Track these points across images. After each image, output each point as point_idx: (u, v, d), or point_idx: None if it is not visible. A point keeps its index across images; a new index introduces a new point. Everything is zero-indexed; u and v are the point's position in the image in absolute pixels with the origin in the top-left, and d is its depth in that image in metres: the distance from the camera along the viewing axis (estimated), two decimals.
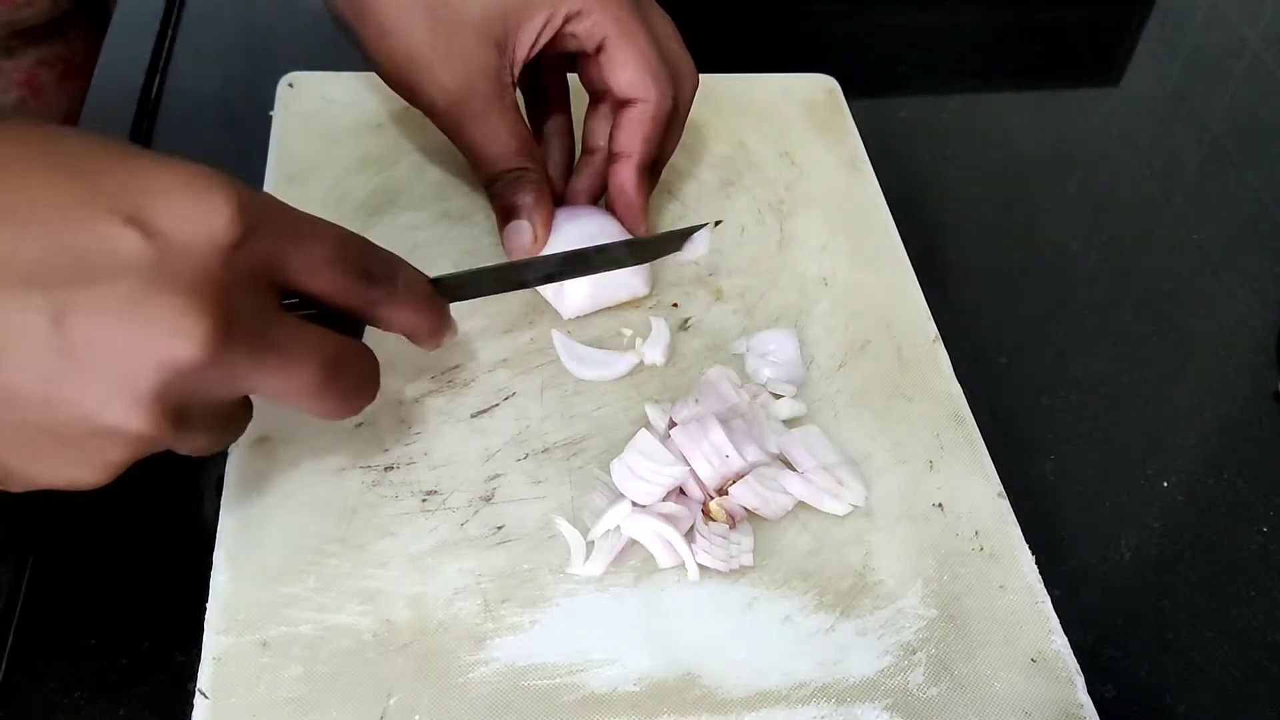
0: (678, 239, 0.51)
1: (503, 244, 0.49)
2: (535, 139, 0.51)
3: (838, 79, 0.64)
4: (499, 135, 0.48)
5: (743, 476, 0.43)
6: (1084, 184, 0.67)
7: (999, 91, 0.75)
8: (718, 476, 0.43)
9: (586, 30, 0.48)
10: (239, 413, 0.35)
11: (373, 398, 0.36)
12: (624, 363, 0.48)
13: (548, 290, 0.50)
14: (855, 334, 0.51)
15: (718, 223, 0.53)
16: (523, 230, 0.49)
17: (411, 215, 0.53)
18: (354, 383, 0.35)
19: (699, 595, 0.42)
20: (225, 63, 0.63)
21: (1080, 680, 0.41)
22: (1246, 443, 0.53)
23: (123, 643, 0.40)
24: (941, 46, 0.76)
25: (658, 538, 0.42)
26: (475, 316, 0.49)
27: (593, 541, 0.42)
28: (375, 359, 0.37)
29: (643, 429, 0.44)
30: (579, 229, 0.49)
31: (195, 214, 0.29)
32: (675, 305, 0.51)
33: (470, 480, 0.44)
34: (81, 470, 0.31)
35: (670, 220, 0.55)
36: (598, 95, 0.51)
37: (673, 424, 0.45)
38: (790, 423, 0.47)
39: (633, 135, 0.49)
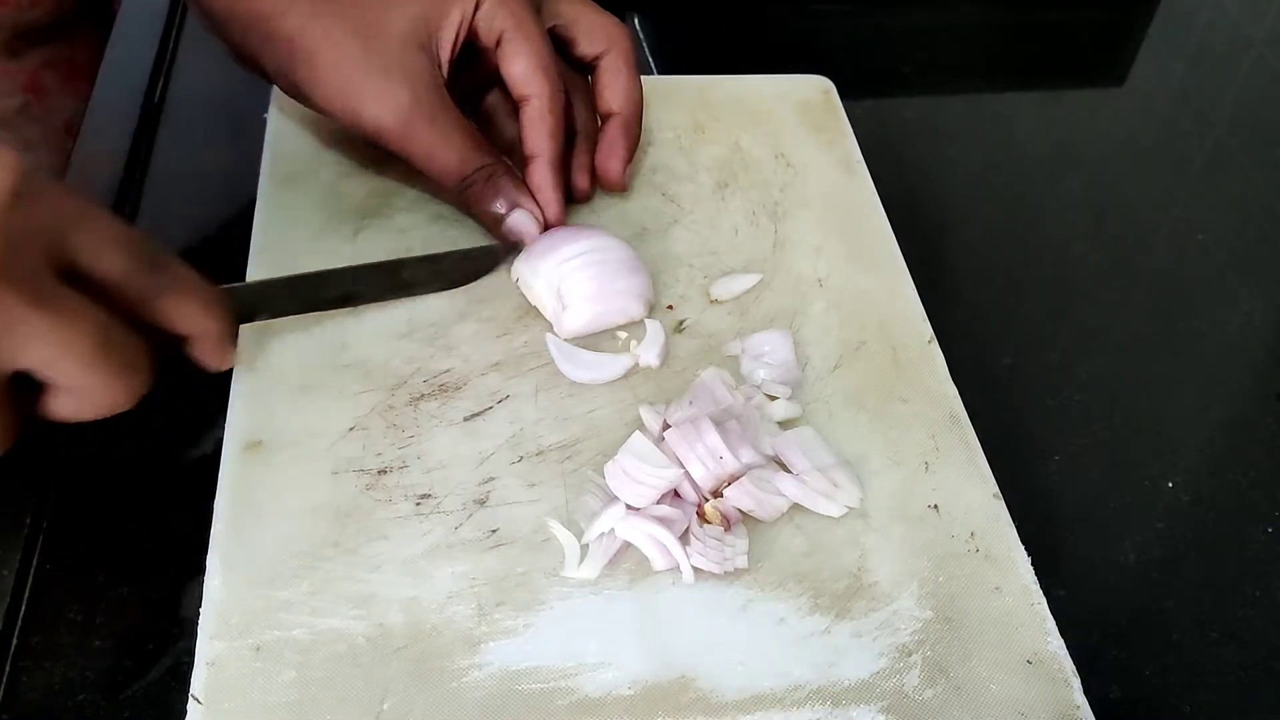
0: (490, 257, 0.50)
1: (507, 240, 0.50)
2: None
3: (840, 79, 0.64)
4: (453, 140, 0.48)
5: (737, 479, 0.43)
6: (1088, 184, 0.67)
7: (1002, 91, 0.75)
8: (712, 479, 0.43)
9: (486, 24, 0.48)
10: (7, 413, 0.34)
11: (145, 383, 0.36)
12: (618, 365, 0.48)
13: (546, 309, 0.49)
14: (850, 335, 0.51)
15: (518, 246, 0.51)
16: (524, 217, 0.49)
17: (405, 217, 0.54)
18: (128, 360, 0.35)
19: (694, 598, 0.41)
20: (228, 64, 0.64)
21: (1077, 681, 0.40)
22: (1251, 443, 0.53)
23: (126, 644, 0.41)
24: (944, 47, 0.76)
25: (652, 540, 0.42)
26: (468, 320, 0.49)
27: (587, 545, 0.42)
28: (149, 347, 0.36)
29: (637, 431, 0.44)
30: (574, 248, 0.49)
31: None
32: (670, 307, 0.51)
33: (464, 483, 0.44)
34: None
35: (664, 222, 0.55)
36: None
37: (667, 426, 0.45)
38: (785, 424, 0.47)
39: (537, 133, 0.49)
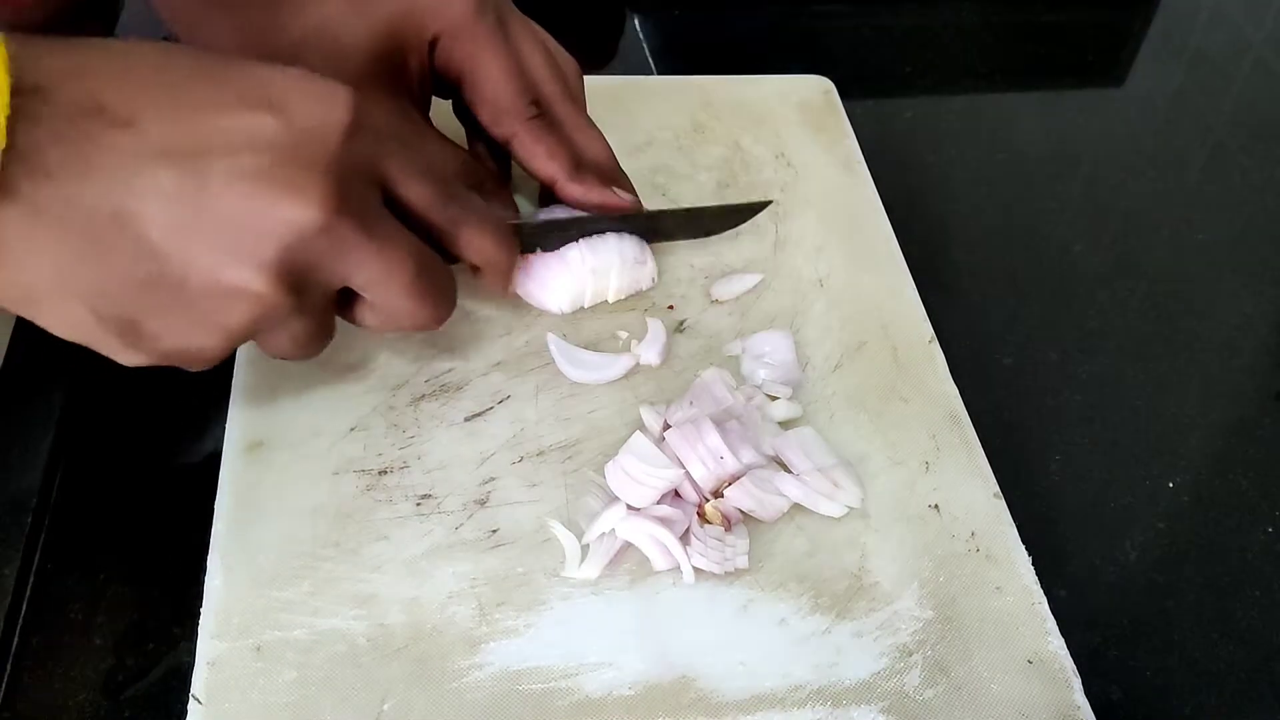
0: (740, 214, 0.53)
1: None
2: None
3: (841, 80, 0.64)
4: (441, 157, 0.47)
5: (738, 479, 0.43)
6: (1088, 185, 0.67)
7: (1003, 92, 0.75)
8: (713, 479, 0.43)
9: (444, 66, 0.47)
10: (330, 318, 0.39)
11: (451, 310, 0.40)
12: (619, 365, 0.48)
13: (532, 295, 0.50)
14: (851, 335, 0.51)
15: (768, 203, 0.55)
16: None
17: None
18: (439, 287, 0.39)
19: (694, 598, 0.41)
20: None
21: (1077, 682, 0.40)
22: (1251, 443, 0.53)
23: (127, 643, 0.41)
24: (945, 47, 0.76)
25: (652, 541, 0.42)
26: (469, 320, 0.49)
27: (587, 545, 0.42)
28: (453, 275, 0.40)
29: (637, 431, 0.44)
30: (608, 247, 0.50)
31: (319, 104, 0.34)
32: (671, 307, 0.51)
33: (465, 484, 0.44)
34: (202, 334, 0.35)
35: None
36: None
37: (668, 427, 0.45)
38: (786, 424, 0.47)
39: (538, 164, 0.48)
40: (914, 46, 0.76)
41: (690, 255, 0.54)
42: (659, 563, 0.42)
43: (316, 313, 0.37)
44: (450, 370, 0.47)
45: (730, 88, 0.63)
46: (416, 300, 0.38)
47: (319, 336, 0.39)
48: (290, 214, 0.33)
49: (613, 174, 0.51)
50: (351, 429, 0.45)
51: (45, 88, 0.31)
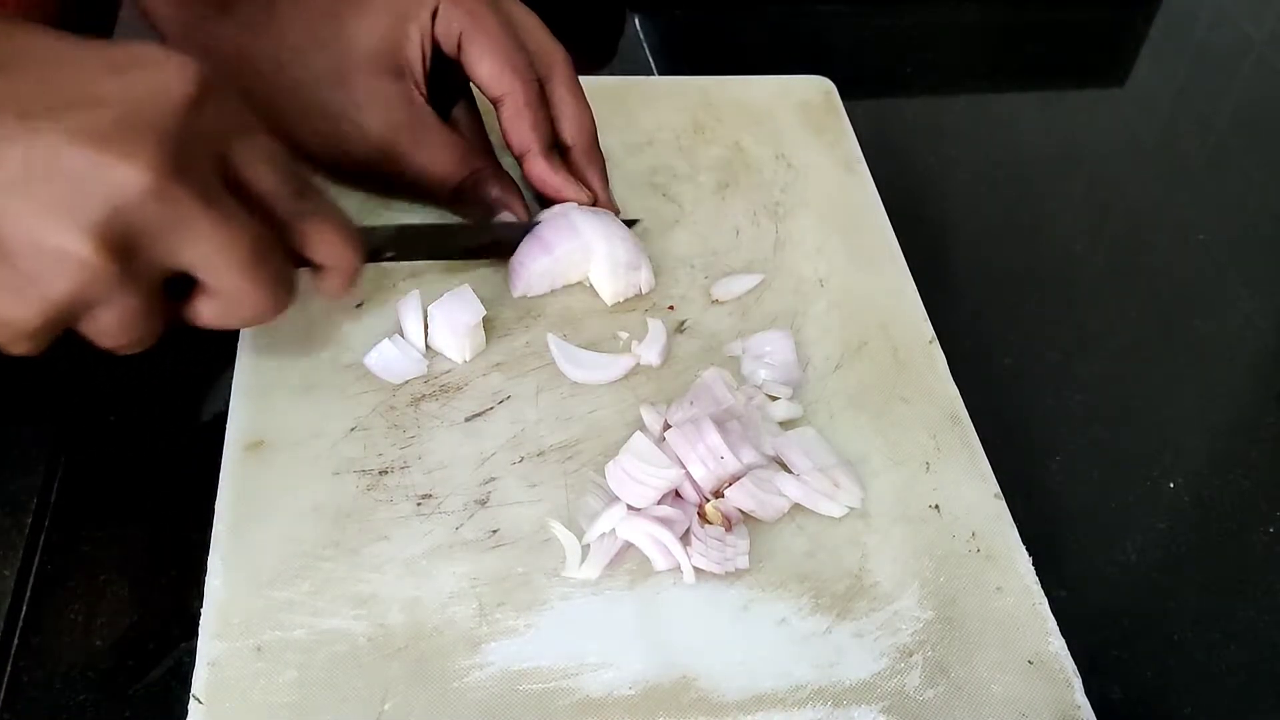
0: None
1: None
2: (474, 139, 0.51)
3: (841, 80, 0.64)
4: (439, 155, 0.48)
5: (738, 479, 0.43)
6: (1089, 184, 0.67)
7: (1004, 92, 0.75)
8: (713, 479, 0.43)
9: (444, 29, 0.48)
10: (160, 302, 0.36)
11: (291, 299, 0.39)
12: (620, 365, 0.48)
13: (602, 273, 0.50)
14: (851, 335, 0.51)
15: (634, 221, 0.53)
16: (507, 220, 0.49)
17: (407, 217, 0.53)
18: (277, 273, 0.37)
19: (695, 598, 0.41)
20: None
21: (1078, 682, 0.40)
22: (1252, 444, 0.53)
23: (127, 644, 0.41)
24: (945, 47, 0.76)
25: (652, 541, 0.42)
26: None
27: (588, 545, 0.42)
28: (293, 265, 0.39)
29: (638, 432, 0.44)
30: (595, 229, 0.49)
31: (165, 69, 0.34)
32: (671, 308, 0.51)
33: (465, 484, 0.44)
34: (19, 302, 0.33)
35: (665, 223, 0.55)
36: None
37: (668, 427, 0.45)
38: (786, 425, 0.46)
39: (519, 131, 0.49)
40: (915, 46, 0.76)
41: (690, 255, 0.54)
42: (659, 563, 0.42)
43: (144, 292, 0.35)
44: (450, 370, 0.47)
45: (731, 88, 0.63)
46: (253, 284, 0.36)
47: (147, 320, 0.36)
48: (119, 175, 0.32)
49: (589, 153, 0.51)
50: (352, 429, 0.45)
51: None
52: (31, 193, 0.32)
